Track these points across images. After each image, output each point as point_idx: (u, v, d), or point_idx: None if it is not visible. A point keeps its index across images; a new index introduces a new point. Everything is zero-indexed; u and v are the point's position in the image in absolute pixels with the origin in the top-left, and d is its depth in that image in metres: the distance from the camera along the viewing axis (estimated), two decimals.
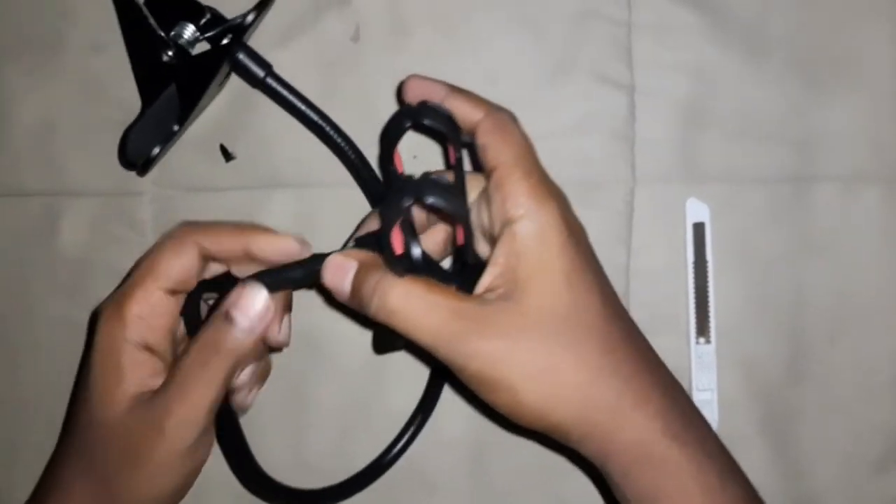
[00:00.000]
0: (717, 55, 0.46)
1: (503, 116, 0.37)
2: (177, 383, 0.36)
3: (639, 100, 0.46)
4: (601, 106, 0.46)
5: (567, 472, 0.46)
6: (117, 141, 0.46)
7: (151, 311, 0.37)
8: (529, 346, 0.34)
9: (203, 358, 0.36)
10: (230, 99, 0.47)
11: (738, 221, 0.46)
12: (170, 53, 0.44)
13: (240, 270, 0.39)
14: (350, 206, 0.47)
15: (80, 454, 0.37)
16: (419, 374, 0.47)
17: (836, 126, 0.46)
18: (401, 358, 0.47)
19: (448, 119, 0.37)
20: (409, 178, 0.36)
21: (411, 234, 0.36)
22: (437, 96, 0.37)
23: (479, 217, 0.37)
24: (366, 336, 0.47)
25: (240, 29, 0.44)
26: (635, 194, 0.46)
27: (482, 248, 0.38)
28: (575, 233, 0.36)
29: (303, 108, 0.45)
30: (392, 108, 0.46)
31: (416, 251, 0.35)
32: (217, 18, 0.45)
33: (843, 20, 0.46)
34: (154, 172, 0.47)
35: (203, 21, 0.45)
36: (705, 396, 0.46)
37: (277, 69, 0.47)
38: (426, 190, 0.33)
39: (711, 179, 0.46)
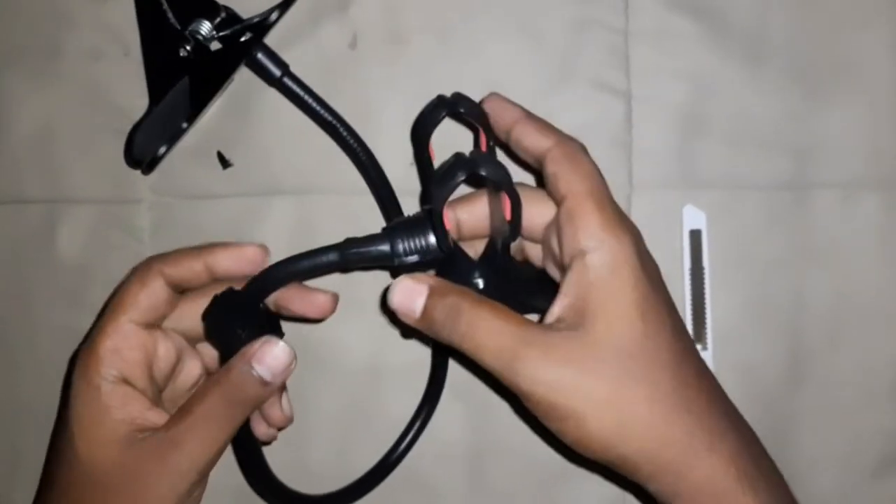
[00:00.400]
0: (715, 62, 0.46)
1: (574, 146, 0.37)
2: (189, 427, 0.36)
3: (636, 107, 0.46)
4: (598, 113, 0.46)
5: (565, 476, 0.46)
6: (116, 148, 0.46)
7: (124, 344, 0.37)
8: (599, 375, 0.33)
9: (220, 406, 0.36)
10: (227, 106, 0.47)
11: (736, 229, 0.46)
12: (188, 48, 0.44)
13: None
14: (350, 213, 0.47)
15: (67, 495, 0.37)
16: (419, 379, 0.47)
17: (835, 133, 0.46)
18: (400, 363, 0.47)
19: (481, 109, 0.37)
20: (460, 154, 0.36)
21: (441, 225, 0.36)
22: (509, 118, 0.38)
23: (548, 244, 0.37)
24: (365, 341, 0.47)
25: (261, 27, 0.44)
26: (632, 201, 0.46)
27: (551, 271, 0.38)
28: (648, 268, 0.35)
29: (317, 107, 0.45)
30: (390, 115, 0.47)
31: (445, 241, 0.36)
32: (232, 18, 0.45)
33: (841, 27, 0.46)
34: (152, 179, 0.47)
35: (218, 20, 0.45)
36: None
37: None
38: (480, 162, 0.34)
39: (708, 186, 0.46)
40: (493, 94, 0.39)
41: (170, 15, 0.44)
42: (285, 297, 0.40)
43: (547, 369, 0.33)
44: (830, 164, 0.46)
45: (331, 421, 0.47)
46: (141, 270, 0.38)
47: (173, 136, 0.46)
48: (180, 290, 0.40)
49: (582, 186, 0.35)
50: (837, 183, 0.46)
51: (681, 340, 0.35)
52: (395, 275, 0.46)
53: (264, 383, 0.37)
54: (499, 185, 0.35)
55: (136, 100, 0.46)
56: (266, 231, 0.47)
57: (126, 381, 0.37)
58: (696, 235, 0.46)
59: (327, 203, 0.47)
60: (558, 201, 0.36)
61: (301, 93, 0.45)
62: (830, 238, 0.46)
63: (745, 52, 0.46)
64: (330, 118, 0.45)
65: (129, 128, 0.45)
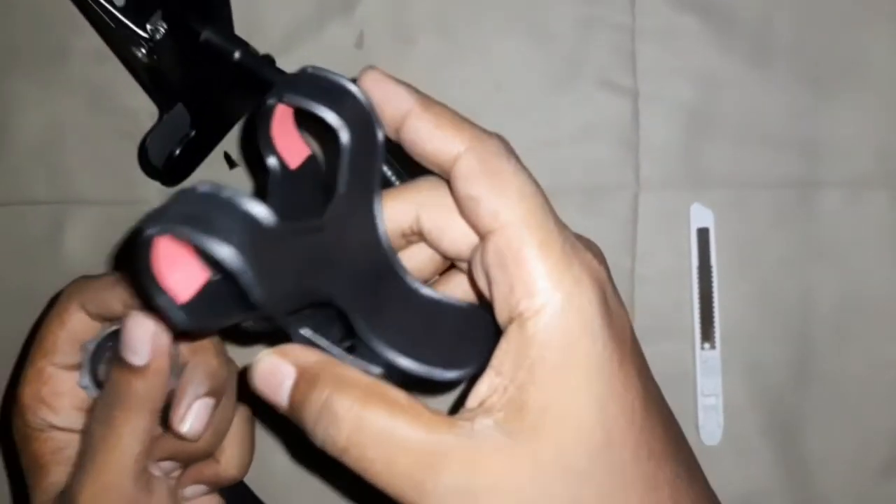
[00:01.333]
0: (722, 60, 0.46)
1: (492, 147, 0.26)
2: (88, 456, 0.31)
3: (643, 105, 0.46)
4: (605, 112, 0.46)
5: None
6: (123, 149, 0.46)
7: (50, 391, 0.33)
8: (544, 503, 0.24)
9: (110, 419, 0.31)
10: None
11: (743, 227, 0.46)
12: (143, 51, 0.42)
13: None
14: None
15: None
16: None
17: (842, 131, 0.46)
18: None
19: (337, 91, 0.27)
20: (277, 178, 0.26)
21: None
22: (397, 108, 0.27)
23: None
24: None
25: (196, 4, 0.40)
26: (640, 200, 0.46)
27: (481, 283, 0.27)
28: (616, 333, 0.25)
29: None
30: None
31: (272, 161, 0.26)
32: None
33: (847, 24, 0.46)
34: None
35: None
36: (710, 402, 0.46)
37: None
38: (297, 87, 0.25)
39: (716, 185, 0.46)
40: (370, 71, 0.28)
41: (123, 18, 0.40)
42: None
43: (468, 498, 0.24)
44: (838, 161, 0.46)
45: None
46: (60, 305, 0.34)
47: (182, 141, 0.45)
48: (104, 319, 0.34)
49: (513, 214, 0.25)
50: (845, 181, 0.46)
51: (655, 440, 0.25)
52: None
53: (135, 368, 0.30)
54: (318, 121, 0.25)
55: (142, 101, 0.46)
56: None
57: (60, 429, 0.33)
58: (703, 234, 0.46)
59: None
60: (481, 236, 0.26)
61: (262, 70, 0.41)
62: (838, 236, 0.46)
63: (751, 50, 0.46)
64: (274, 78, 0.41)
65: (135, 129, 0.45)
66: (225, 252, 0.21)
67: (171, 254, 0.22)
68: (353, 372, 0.25)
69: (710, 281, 0.46)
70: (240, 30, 0.47)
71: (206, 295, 0.23)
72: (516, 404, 0.24)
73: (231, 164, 0.48)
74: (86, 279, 0.35)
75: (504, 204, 0.25)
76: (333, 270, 0.25)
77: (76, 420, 0.33)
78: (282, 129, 0.26)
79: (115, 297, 0.32)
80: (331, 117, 0.25)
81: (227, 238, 0.21)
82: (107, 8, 0.41)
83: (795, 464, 0.46)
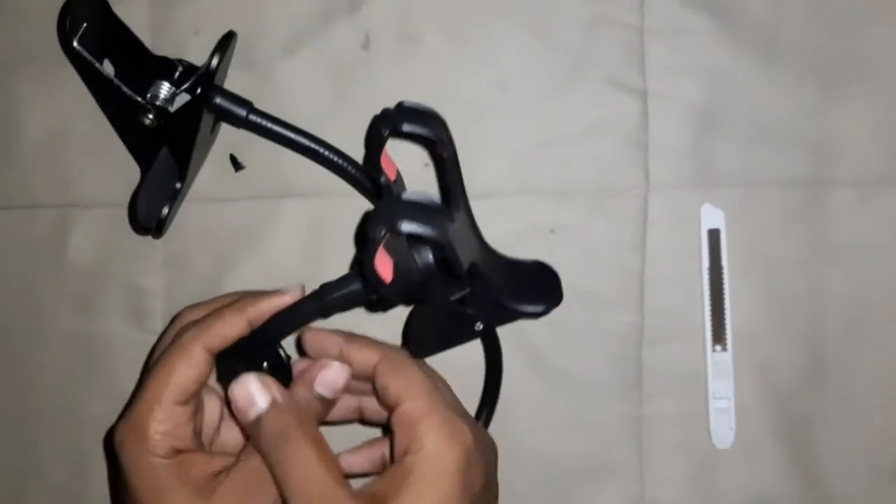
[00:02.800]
0: (731, 59, 0.46)
1: (396, 356, 0.38)
2: (281, 460, 0.36)
3: (652, 105, 0.46)
4: (614, 111, 0.46)
5: (582, 478, 0.46)
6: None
7: (173, 425, 0.37)
8: None
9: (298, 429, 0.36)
10: None
11: (754, 227, 0.46)
12: (150, 117, 0.44)
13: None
14: (361, 215, 0.46)
15: None
16: None
17: (852, 130, 0.46)
18: None
19: (430, 118, 0.35)
20: (383, 204, 0.35)
21: (417, 240, 0.34)
22: (332, 350, 0.38)
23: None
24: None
25: (207, 76, 0.43)
26: (649, 200, 0.46)
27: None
28: (467, 482, 0.35)
29: (293, 136, 0.44)
30: None
31: (427, 258, 0.34)
32: (188, 69, 0.45)
33: (857, 22, 0.46)
34: None
35: (177, 75, 0.45)
36: (722, 405, 0.45)
37: (286, 78, 0.47)
38: (399, 216, 0.32)
39: (726, 185, 0.46)
40: (307, 332, 0.39)
41: (125, 89, 0.43)
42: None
43: None
44: (848, 160, 0.46)
45: (340, 426, 0.47)
46: (185, 348, 0.38)
47: (172, 196, 0.45)
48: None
49: (409, 393, 0.36)
50: (856, 180, 0.45)
51: None
52: (371, 309, 0.45)
53: (327, 400, 0.38)
54: (427, 240, 0.33)
55: None
56: (278, 233, 0.47)
57: (180, 451, 0.37)
58: (714, 234, 0.45)
59: (339, 205, 0.47)
60: (389, 410, 0.37)
61: (271, 125, 0.44)
62: (849, 235, 0.45)
63: (761, 48, 0.46)
64: (308, 143, 0.44)
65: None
66: (439, 235, 0.32)
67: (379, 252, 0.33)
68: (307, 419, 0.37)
69: (721, 282, 0.45)
70: (245, 32, 0.47)
71: (396, 277, 0.34)
72: (381, 496, 0.35)
73: (237, 166, 0.47)
74: (201, 314, 0.40)
75: (403, 385, 0.37)
76: (468, 246, 0.35)
77: (193, 441, 0.38)
78: (384, 156, 0.36)
79: (235, 330, 0.39)
80: (435, 136, 0.35)
81: (439, 226, 0.32)
82: (111, 81, 0.43)
83: (808, 466, 0.46)
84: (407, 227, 0.32)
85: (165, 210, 0.45)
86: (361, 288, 0.36)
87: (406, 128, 0.34)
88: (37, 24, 0.48)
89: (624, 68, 0.46)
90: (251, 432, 0.36)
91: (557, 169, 0.46)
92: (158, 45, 0.47)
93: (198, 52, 0.46)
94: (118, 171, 0.47)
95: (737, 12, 0.46)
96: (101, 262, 0.48)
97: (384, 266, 0.34)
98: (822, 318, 0.46)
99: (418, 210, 0.32)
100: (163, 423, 0.37)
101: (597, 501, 0.46)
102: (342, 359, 0.38)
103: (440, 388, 0.38)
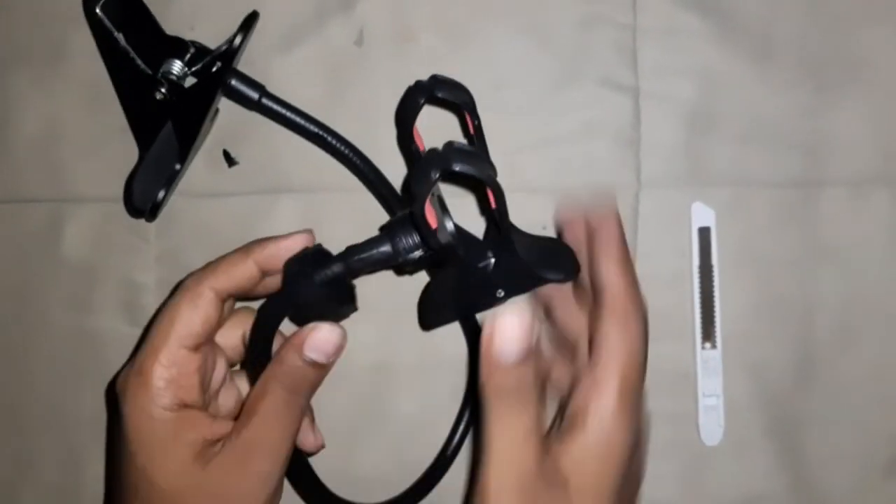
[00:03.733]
0: (723, 59, 0.46)
1: (633, 305, 0.36)
2: (258, 426, 0.35)
3: (644, 104, 0.46)
4: (606, 110, 0.46)
5: None
6: (121, 147, 0.46)
7: (179, 373, 0.36)
8: None
9: (283, 398, 0.36)
10: (233, 104, 0.47)
11: (745, 226, 0.46)
12: (163, 91, 0.44)
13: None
14: (358, 210, 0.47)
15: None
16: (427, 378, 0.47)
17: (844, 129, 0.46)
18: (409, 362, 0.47)
19: (462, 89, 0.36)
20: (433, 150, 0.35)
21: (442, 208, 0.36)
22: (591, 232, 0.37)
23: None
24: (373, 341, 0.47)
25: (228, 54, 0.44)
26: (640, 199, 0.46)
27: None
28: (632, 468, 0.34)
29: (302, 122, 0.45)
30: None
31: (450, 224, 0.35)
32: (201, 51, 0.45)
33: (850, 23, 0.46)
34: None
35: (188, 56, 0.45)
36: (711, 402, 0.45)
37: (281, 74, 0.47)
38: (453, 158, 0.33)
39: (717, 184, 0.46)
40: (565, 201, 0.39)
41: (139, 62, 0.44)
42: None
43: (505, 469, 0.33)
44: (840, 160, 0.46)
45: (340, 421, 0.47)
46: (190, 289, 0.37)
47: (170, 179, 0.46)
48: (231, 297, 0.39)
49: (621, 360, 0.34)
50: (847, 180, 0.46)
51: None
52: (399, 273, 0.46)
53: (318, 366, 0.36)
54: (475, 180, 0.34)
55: None
56: (273, 229, 0.47)
57: (185, 405, 0.36)
58: (704, 233, 0.46)
59: (334, 200, 0.47)
60: (592, 352, 0.35)
61: (282, 110, 0.45)
62: (841, 235, 0.46)
63: (753, 48, 0.46)
64: (317, 129, 0.45)
65: None
66: (489, 177, 0.34)
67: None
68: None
69: (712, 280, 0.46)
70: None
71: (437, 225, 0.35)
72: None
73: (230, 161, 0.47)
74: (211, 263, 0.38)
75: (618, 352, 0.34)
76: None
77: (198, 397, 0.36)
78: (415, 130, 0.38)
79: (242, 271, 0.37)
80: (466, 104, 0.38)
81: (488, 171, 0.34)
82: (127, 51, 0.44)
83: (797, 464, 0.46)
84: (461, 167, 0.33)
85: (161, 193, 0.45)
86: (390, 249, 0.37)
87: (441, 94, 0.36)
88: (32, 20, 0.48)
89: (617, 67, 0.46)
90: (518, 371, 0.32)
91: (551, 167, 0.46)
92: None
93: None
94: (112, 166, 0.47)
95: (729, 12, 0.46)
96: (95, 258, 0.48)
97: (430, 213, 0.35)
98: (811, 317, 0.46)
99: (469, 154, 0.34)
100: (168, 368, 0.35)
101: None
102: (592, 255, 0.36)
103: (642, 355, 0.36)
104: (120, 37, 0.44)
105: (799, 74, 0.46)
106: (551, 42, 0.46)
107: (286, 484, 0.44)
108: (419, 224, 0.35)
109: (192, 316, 0.36)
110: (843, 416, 0.46)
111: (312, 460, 0.45)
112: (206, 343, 0.37)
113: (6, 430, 0.49)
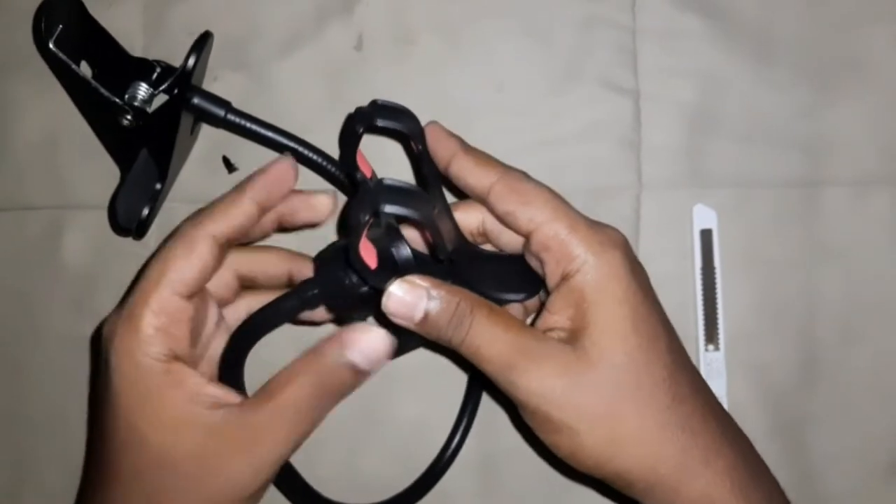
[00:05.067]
0: (724, 60, 0.46)
1: (516, 175, 0.36)
2: (275, 415, 0.33)
3: (644, 106, 0.46)
4: (607, 112, 0.46)
5: (577, 481, 0.46)
6: None
7: (170, 321, 0.34)
8: (592, 390, 0.33)
9: (310, 395, 0.34)
10: None
11: (747, 227, 0.46)
12: (129, 117, 0.43)
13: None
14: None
15: (137, 483, 0.34)
16: (427, 382, 0.47)
17: (845, 130, 0.46)
18: (409, 365, 0.46)
19: (406, 115, 0.36)
20: (364, 188, 0.34)
21: (394, 236, 0.35)
22: (446, 152, 0.37)
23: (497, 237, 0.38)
24: None
25: (184, 76, 0.43)
26: (642, 201, 0.46)
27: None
28: (638, 278, 0.35)
29: (271, 135, 0.44)
30: None
31: (405, 252, 0.35)
32: (166, 70, 0.45)
33: (850, 23, 0.46)
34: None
35: (155, 76, 0.44)
36: None
37: (280, 80, 0.47)
38: (382, 198, 0.32)
39: (719, 185, 0.46)
40: (431, 124, 0.37)
41: (103, 91, 0.43)
42: (289, 211, 0.38)
43: (542, 381, 0.33)
44: (841, 160, 0.46)
45: (339, 425, 0.47)
46: (187, 234, 0.35)
47: (153, 198, 0.45)
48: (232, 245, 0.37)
49: (543, 216, 0.35)
50: (848, 180, 0.46)
51: (675, 354, 0.35)
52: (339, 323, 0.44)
53: (359, 372, 0.34)
54: (408, 220, 0.33)
55: None
56: (272, 236, 0.47)
57: (175, 357, 0.34)
58: (706, 235, 0.46)
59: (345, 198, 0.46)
60: (525, 236, 0.36)
61: (251, 125, 0.44)
62: (842, 235, 0.46)
63: (753, 49, 0.46)
64: (289, 142, 0.44)
65: None
66: (422, 216, 0.32)
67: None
68: (466, 290, 0.35)
69: (714, 282, 0.46)
70: (239, 33, 0.47)
71: (379, 267, 0.34)
72: (571, 329, 0.34)
73: (230, 167, 0.47)
74: (206, 207, 0.36)
75: (533, 212, 0.35)
76: (446, 234, 0.35)
77: (187, 347, 0.34)
78: (359, 155, 0.36)
79: (240, 211, 0.35)
80: (409, 131, 0.36)
81: (420, 208, 0.32)
82: (88, 82, 0.43)
83: (801, 465, 0.46)
84: (391, 208, 0.32)
85: (146, 211, 0.45)
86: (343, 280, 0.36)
87: (381, 123, 0.35)
88: (30, 26, 0.48)
89: (617, 69, 0.46)
90: (424, 331, 0.34)
91: (551, 169, 0.46)
92: (152, 46, 0.47)
93: None
94: (111, 172, 0.47)
95: (729, 13, 0.46)
96: (95, 264, 0.48)
97: (368, 253, 0.34)
98: (814, 318, 0.46)
99: (400, 193, 0.32)
100: (158, 315, 0.33)
101: (592, 500, 0.46)
102: (450, 172, 0.37)
103: (561, 197, 0.36)
104: (79, 69, 0.43)
105: (799, 75, 0.46)
106: (552, 44, 0.46)
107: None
108: (356, 267, 0.34)
109: (187, 263, 0.34)
110: (846, 416, 0.46)
111: (315, 462, 0.45)
112: (199, 291, 0.35)
113: (7, 436, 0.49)
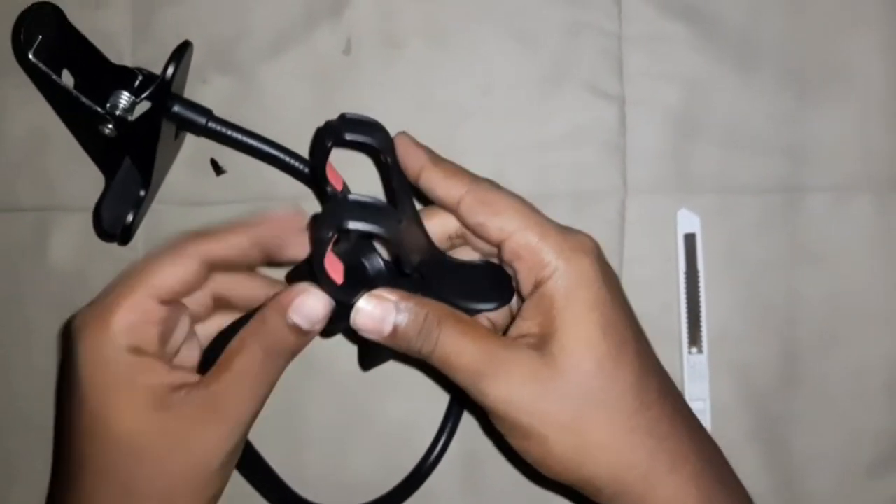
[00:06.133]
0: (708, 66, 0.46)
1: (484, 186, 0.36)
2: (231, 382, 0.34)
3: (630, 111, 0.46)
4: (593, 117, 0.46)
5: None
6: None
7: (141, 320, 0.34)
8: (560, 397, 0.33)
9: (260, 358, 0.35)
10: (220, 113, 0.47)
11: (730, 231, 0.46)
12: (109, 127, 0.43)
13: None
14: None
15: (106, 472, 0.34)
16: (414, 383, 0.47)
17: (827, 136, 0.46)
18: (396, 367, 0.47)
19: (376, 128, 0.36)
20: (328, 205, 0.34)
21: (365, 248, 0.35)
22: (416, 164, 0.37)
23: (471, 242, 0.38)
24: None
25: (164, 85, 0.43)
26: (627, 205, 0.46)
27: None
28: (608, 284, 0.35)
29: (253, 143, 0.44)
30: (385, 120, 0.46)
31: (377, 264, 0.35)
32: (148, 78, 0.44)
33: (833, 30, 0.46)
34: None
35: (137, 83, 0.44)
36: (698, 406, 0.46)
37: (268, 82, 0.47)
38: (346, 215, 0.32)
39: (703, 190, 0.46)
40: (400, 135, 0.37)
41: (83, 100, 0.43)
42: (277, 245, 0.38)
43: (509, 388, 0.33)
44: (823, 166, 0.46)
45: (326, 425, 0.47)
46: (178, 247, 0.35)
47: (137, 204, 0.45)
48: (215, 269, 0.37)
49: (513, 225, 0.35)
50: (830, 185, 0.46)
51: (644, 359, 0.35)
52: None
53: (302, 332, 0.35)
54: (376, 237, 0.33)
55: None
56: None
57: (141, 351, 0.34)
58: (690, 239, 0.46)
59: (319, 209, 0.47)
60: (496, 246, 0.36)
61: (232, 133, 0.44)
62: (824, 240, 0.46)
63: (737, 56, 0.46)
64: (269, 150, 0.44)
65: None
66: (386, 232, 0.32)
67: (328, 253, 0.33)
68: (433, 301, 0.35)
69: (697, 285, 0.46)
70: (227, 36, 0.47)
71: (347, 281, 0.34)
72: (541, 335, 0.34)
73: (218, 170, 0.47)
74: (207, 229, 0.37)
75: (503, 222, 0.35)
76: (416, 249, 0.35)
77: (157, 348, 0.35)
78: (329, 168, 0.36)
79: (240, 251, 0.36)
80: (379, 145, 0.36)
81: (385, 223, 0.32)
82: (69, 92, 0.43)
83: (782, 466, 0.46)
84: (354, 224, 0.32)
85: (130, 217, 0.45)
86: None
87: (349, 136, 0.35)
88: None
89: (602, 74, 0.46)
90: (393, 344, 0.35)
91: (537, 173, 0.47)
92: (141, 49, 0.47)
93: None
94: (99, 175, 0.47)
95: (714, 20, 0.46)
96: (83, 265, 0.48)
97: (334, 268, 0.34)
98: (795, 321, 0.46)
99: (364, 208, 0.32)
100: (130, 312, 0.34)
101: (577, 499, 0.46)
102: (420, 184, 0.37)
103: (532, 205, 0.36)
104: (60, 78, 0.43)
105: (782, 81, 0.46)
106: (538, 49, 0.47)
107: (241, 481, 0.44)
108: (321, 283, 0.34)
109: (171, 271, 0.35)
110: (827, 417, 0.46)
111: (303, 463, 0.46)
112: (176, 300, 0.36)
113: None
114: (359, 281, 0.35)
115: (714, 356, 0.46)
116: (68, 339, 0.35)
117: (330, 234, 0.32)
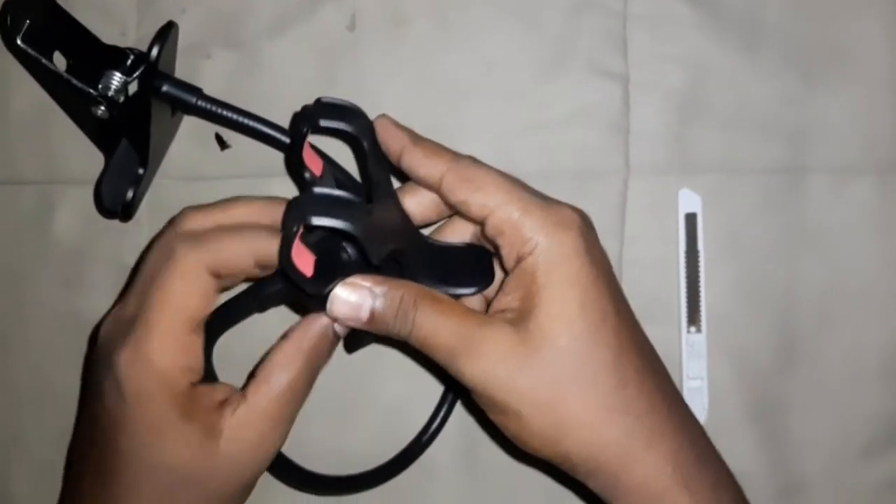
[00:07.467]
0: (712, 47, 0.46)
1: (465, 162, 0.36)
2: (279, 398, 0.35)
3: (633, 91, 0.46)
4: (596, 97, 0.46)
5: None
6: None
7: (188, 353, 0.35)
8: (537, 373, 0.33)
9: (307, 373, 0.36)
10: (224, 89, 0.47)
11: (731, 212, 0.46)
12: (102, 108, 0.43)
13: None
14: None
15: (161, 498, 0.35)
16: (412, 361, 0.47)
17: (830, 118, 0.46)
18: (393, 345, 0.47)
19: (353, 112, 0.35)
20: (295, 199, 0.34)
21: (339, 238, 0.35)
22: (396, 145, 0.36)
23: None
24: None
25: (150, 66, 0.42)
26: (629, 185, 0.47)
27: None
28: (593, 259, 0.34)
29: (247, 121, 0.43)
30: (388, 97, 0.46)
31: (352, 251, 0.35)
32: (139, 57, 0.44)
33: (837, 12, 0.46)
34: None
35: (128, 63, 0.44)
36: (696, 385, 0.46)
37: (272, 58, 0.47)
38: (310, 210, 0.32)
39: (704, 170, 0.46)
40: (380, 118, 0.37)
41: (75, 81, 0.43)
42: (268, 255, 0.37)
43: (486, 365, 0.34)
44: (825, 148, 0.46)
45: (325, 403, 0.47)
46: (181, 264, 0.35)
47: (136, 181, 0.45)
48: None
49: (495, 200, 0.35)
50: (832, 167, 0.46)
51: (624, 336, 0.35)
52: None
53: (339, 338, 0.37)
54: (342, 233, 0.33)
55: None
56: None
57: (183, 381, 0.35)
58: (691, 219, 0.46)
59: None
60: (479, 223, 0.36)
61: (222, 111, 0.43)
62: (825, 222, 0.46)
63: (742, 36, 0.46)
64: (262, 127, 0.43)
65: None
66: (349, 226, 0.32)
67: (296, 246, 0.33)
68: (410, 283, 0.35)
69: (697, 265, 0.46)
70: (232, 11, 0.47)
71: (318, 273, 0.34)
72: (520, 310, 0.34)
73: (223, 145, 0.47)
74: (205, 223, 0.36)
75: (485, 198, 0.35)
76: (387, 234, 0.35)
77: (198, 374, 0.35)
78: (307, 152, 0.36)
79: (242, 254, 0.35)
80: (355, 131, 0.36)
81: (350, 218, 0.32)
82: (60, 75, 0.43)
83: (778, 445, 0.47)
84: (318, 220, 0.32)
85: (130, 193, 0.45)
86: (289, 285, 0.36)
87: (323, 123, 0.34)
88: None
89: (606, 54, 0.46)
90: (372, 328, 0.35)
91: (540, 153, 0.47)
92: (145, 24, 0.47)
93: (186, 31, 0.46)
94: None
95: (719, 1, 0.46)
96: (86, 239, 0.48)
97: (303, 261, 0.34)
98: (794, 302, 0.46)
99: (329, 203, 0.32)
100: (171, 350, 0.34)
101: (574, 479, 0.47)
102: (402, 165, 0.36)
103: (516, 179, 0.36)
104: (52, 61, 0.43)
105: (786, 63, 0.46)
106: (542, 28, 0.47)
107: None
108: (290, 276, 0.34)
109: (187, 291, 0.35)
110: (822, 398, 0.46)
111: (304, 437, 0.46)
112: (202, 316, 0.36)
113: None
114: (334, 269, 0.35)
115: (713, 335, 0.46)
116: (99, 371, 0.35)
117: (295, 229, 0.32)
